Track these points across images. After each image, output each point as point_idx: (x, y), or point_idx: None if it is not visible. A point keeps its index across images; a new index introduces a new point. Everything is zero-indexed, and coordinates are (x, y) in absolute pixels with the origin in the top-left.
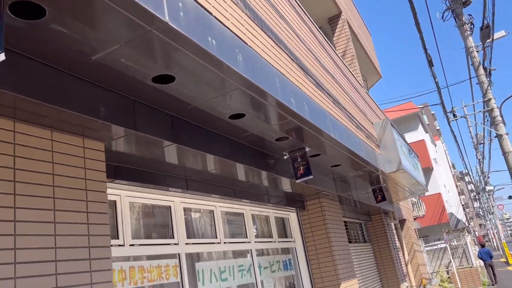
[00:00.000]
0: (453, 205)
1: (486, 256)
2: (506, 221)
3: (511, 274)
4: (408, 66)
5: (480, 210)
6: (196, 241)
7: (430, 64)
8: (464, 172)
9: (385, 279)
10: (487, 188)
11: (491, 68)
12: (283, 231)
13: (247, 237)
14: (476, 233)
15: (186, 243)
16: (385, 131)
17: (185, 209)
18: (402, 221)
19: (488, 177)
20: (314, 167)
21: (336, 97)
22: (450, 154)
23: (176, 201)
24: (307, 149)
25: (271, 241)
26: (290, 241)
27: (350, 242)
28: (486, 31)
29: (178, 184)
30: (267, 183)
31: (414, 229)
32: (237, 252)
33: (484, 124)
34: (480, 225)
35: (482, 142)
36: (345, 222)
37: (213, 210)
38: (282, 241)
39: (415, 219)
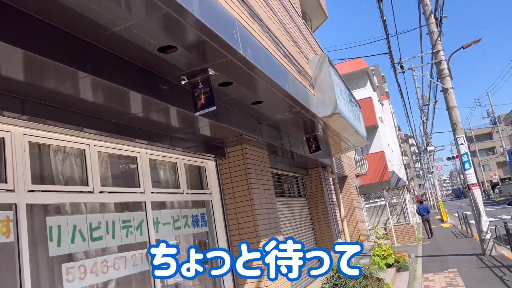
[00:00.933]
0: (396, 164)
1: (423, 211)
2: (443, 182)
3: (445, 230)
4: (356, 7)
5: (421, 170)
6: (49, 188)
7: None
8: (408, 135)
9: (319, 235)
10: (429, 148)
11: (442, 16)
12: (199, 182)
13: (139, 187)
14: (416, 192)
15: (30, 190)
16: (321, 70)
17: (36, 146)
18: (344, 178)
19: (430, 138)
20: (231, 102)
21: (256, 10)
22: (396, 116)
23: (15, 133)
24: (211, 72)
25: (176, 193)
26: (205, 193)
27: (283, 196)
28: None
29: (12, 106)
30: (173, 121)
31: (355, 186)
32: (125, 204)
33: (431, 78)
34: (419, 185)
35: (427, 103)
36: (278, 174)
37: (84, 150)
38: (193, 193)
39: (357, 176)
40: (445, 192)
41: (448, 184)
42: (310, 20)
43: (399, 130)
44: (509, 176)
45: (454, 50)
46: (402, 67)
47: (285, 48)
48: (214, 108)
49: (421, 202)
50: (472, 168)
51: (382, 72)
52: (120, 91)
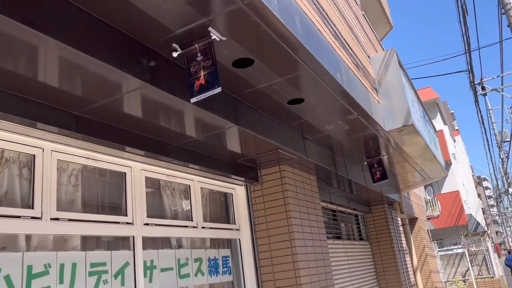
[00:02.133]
0: (472, 207)
1: None
2: None
3: None
4: (424, 16)
5: (498, 216)
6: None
7: (464, 12)
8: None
9: None
10: (510, 190)
11: None
12: (222, 213)
13: (126, 215)
14: (493, 240)
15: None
16: (388, 69)
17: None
18: (413, 220)
19: None
20: (258, 99)
21: None
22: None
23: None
24: (214, 36)
25: (186, 226)
26: (230, 229)
27: (338, 238)
28: None
29: None
30: (179, 126)
31: (427, 230)
32: (102, 239)
33: None
34: (496, 232)
35: (507, 139)
36: (332, 210)
37: (34, 156)
38: (213, 228)
39: (428, 219)
40: None
41: None
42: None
43: (472, 172)
44: None
45: None
46: (483, 88)
47: (337, 29)
48: (216, 90)
49: (510, 253)
50: None
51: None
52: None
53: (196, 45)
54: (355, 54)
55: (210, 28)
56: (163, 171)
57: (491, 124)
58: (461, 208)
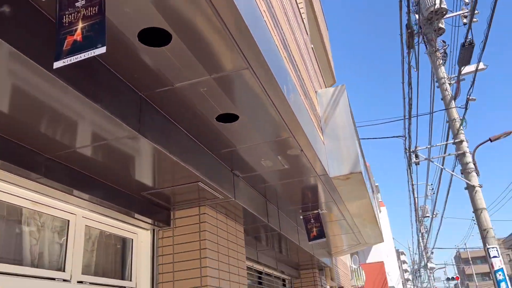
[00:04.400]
0: (393, 280)
1: None
2: None
3: None
4: (365, 78)
5: None
6: None
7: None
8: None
9: None
10: (429, 265)
11: (470, 98)
12: (114, 264)
13: None
14: None
15: None
16: (336, 108)
17: None
18: None
19: (432, 253)
20: (174, 106)
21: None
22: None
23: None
24: None
25: (52, 278)
26: (123, 287)
27: None
28: (467, 54)
29: None
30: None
31: None
32: None
33: (442, 167)
34: None
35: (427, 215)
36: (258, 272)
37: None
38: (96, 284)
39: None
40: None
41: None
42: None
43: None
44: None
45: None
46: (417, 156)
47: (285, 37)
48: (102, 49)
49: None
50: None
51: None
52: None
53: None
54: (303, 79)
55: None
56: (25, 194)
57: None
58: (384, 280)
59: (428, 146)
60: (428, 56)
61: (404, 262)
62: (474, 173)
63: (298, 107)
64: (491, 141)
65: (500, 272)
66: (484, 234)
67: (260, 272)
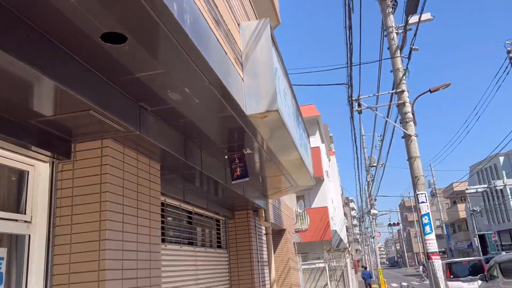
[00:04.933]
0: (338, 224)
1: (368, 276)
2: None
3: None
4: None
5: (359, 235)
6: None
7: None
8: (349, 198)
9: None
10: (372, 211)
11: (413, 48)
12: (7, 197)
13: None
14: (353, 257)
15: None
16: (258, 43)
17: None
18: (282, 231)
19: (375, 200)
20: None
21: None
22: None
23: None
24: None
25: None
26: (16, 220)
27: (191, 244)
28: (413, 2)
29: None
30: None
31: (294, 243)
32: None
33: (387, 118)
34: (356, 250)
35: (374, 165)
36: (188, 212)
37: None
38: None
39: (297, 231)
40: (379, 260)
41: (383, 252)
42: None
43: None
44: (444, 249)
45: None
46: (359, 105)
47: None
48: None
49: (365, 268)
50: (434, 233)
51: (331, 132)
52: None
53: None
54: (215, 5)
55: None
56: None
57: (362, 149)
58: (327, 224)
59: (371, 95)
60: (378, 4)
61: (353, 209)
62: (411, 123)
63: (198, 34)
64: (430, 92)
65: (426, 217)
66: (415, 181)
67: (190, 212)
